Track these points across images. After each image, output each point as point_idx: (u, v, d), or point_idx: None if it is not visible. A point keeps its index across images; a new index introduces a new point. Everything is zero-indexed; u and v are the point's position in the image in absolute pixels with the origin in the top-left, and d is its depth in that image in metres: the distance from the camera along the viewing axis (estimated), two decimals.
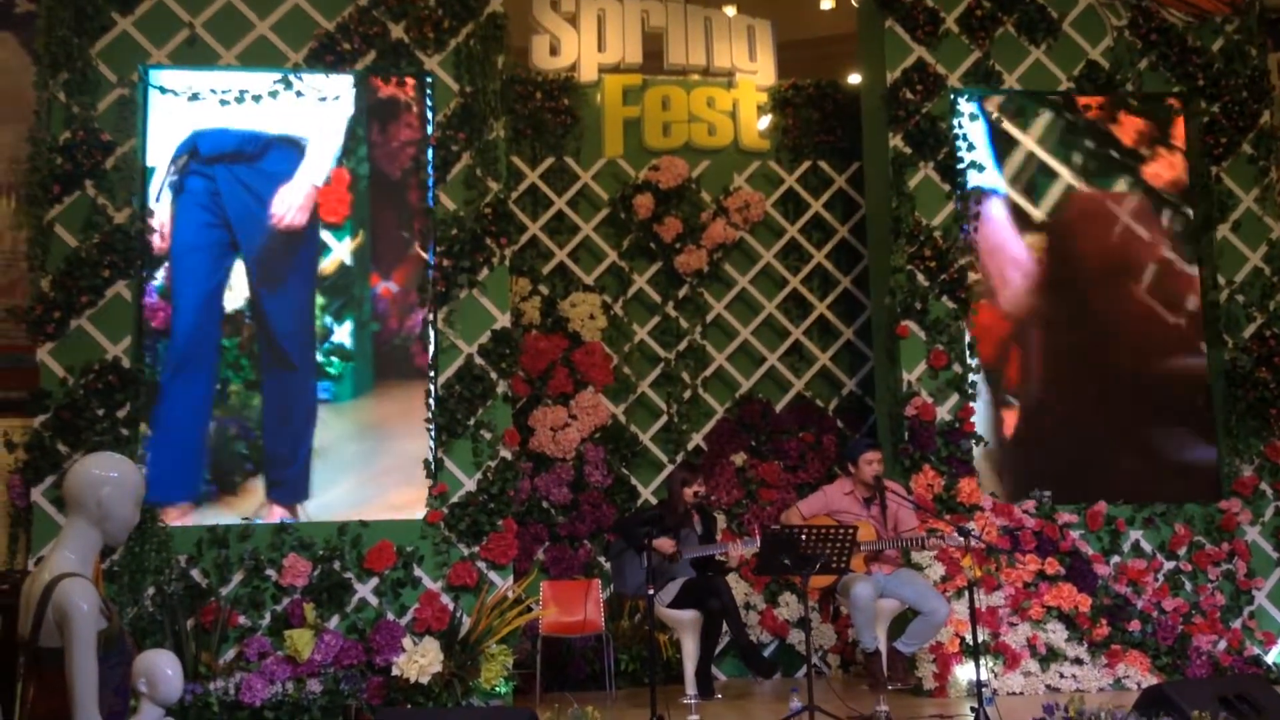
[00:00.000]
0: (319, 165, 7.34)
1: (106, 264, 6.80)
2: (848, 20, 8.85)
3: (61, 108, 6.92)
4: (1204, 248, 8.07)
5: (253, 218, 7.22)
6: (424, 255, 7.24)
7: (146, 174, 7.10)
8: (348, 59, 7.26)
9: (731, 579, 7.23)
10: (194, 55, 7.17)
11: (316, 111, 7.36)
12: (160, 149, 7.18)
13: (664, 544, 6.39)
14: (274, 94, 7.22)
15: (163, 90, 7.15)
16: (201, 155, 7.24)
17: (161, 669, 4.06)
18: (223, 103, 7.19)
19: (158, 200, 7.13)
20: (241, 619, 6.58)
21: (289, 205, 7.26)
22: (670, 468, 8.04)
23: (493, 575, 6.86)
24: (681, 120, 8.80)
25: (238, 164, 7.26)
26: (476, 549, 6.87)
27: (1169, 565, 7.55)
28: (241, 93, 7.19)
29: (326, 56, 7.24)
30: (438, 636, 6.50)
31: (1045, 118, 8.15)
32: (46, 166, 6.82)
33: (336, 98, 7.37)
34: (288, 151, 7.34)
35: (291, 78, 7.23)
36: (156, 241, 7.06)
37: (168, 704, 4.10)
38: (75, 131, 6.88)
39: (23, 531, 6.59)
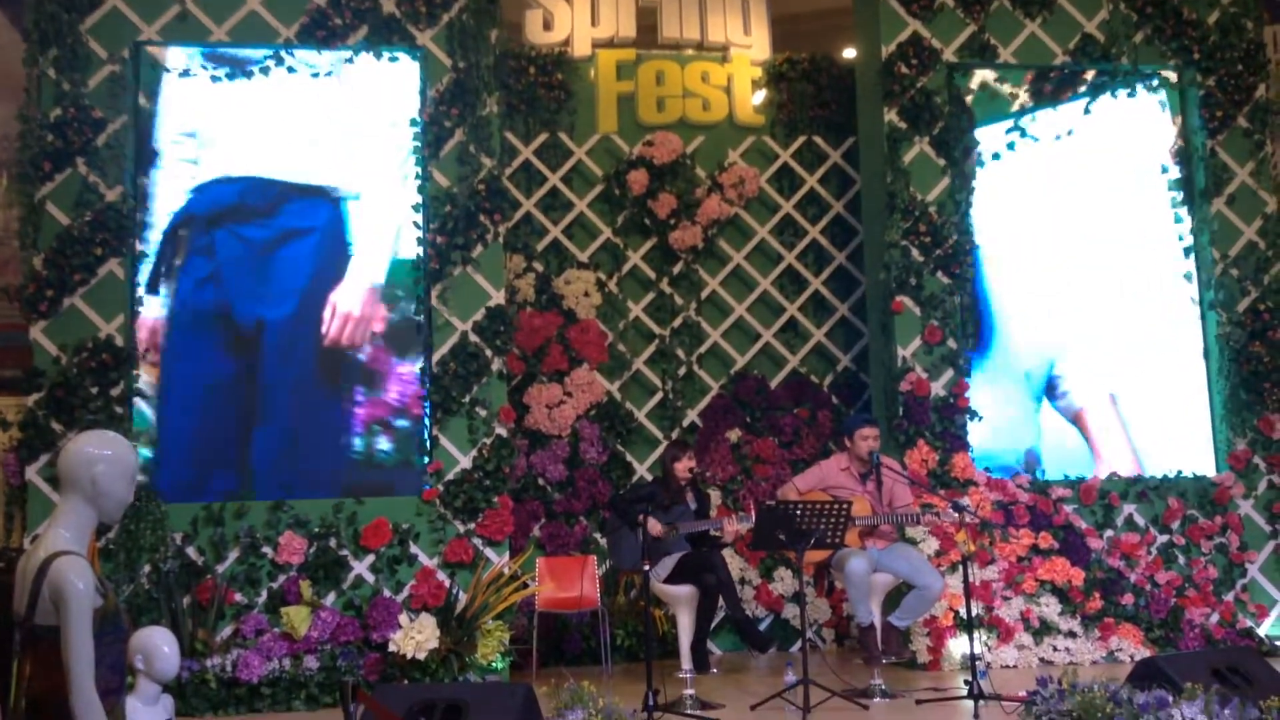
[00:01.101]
0: (372, 258, 7.21)
1: (99, 242, 6.77)
2: None
3: (52, 84, 6.87)
4: (1199, 221, 8.07)
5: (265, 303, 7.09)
6: None
7: (143, 151, 7.07)
8: (339, 34, 7.21)
9: (727, 554, 7.24)
10: (185, 31, 7.12)
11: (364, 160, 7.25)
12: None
13: (654, 526, 6.39)
14: (265, 70, 7.17)
15: (153, 67, 7.11)
16: (199, 218, 7.11)
17: (158, 646, 4.09)
18: (214, 79, 7.14)
19: (146, 291, 7.02)
20: (238, 596, 6.60)
21: (341, 319, 7.15)
22: (665, 444, 8.04)
23: (489, 552, 6.88)
24: (676, 95, 8.76)
25: (247, 224, 7.15)
26: (472, 526, 6.88)
27: (1162, 539, 7.58)
28: (233, 69, 7.15)
29: (318, 32, 7.19)
30: (434, 613, 6.52)
31: None
32: (37, 144, 6.78)
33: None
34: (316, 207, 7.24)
35: (283, 53, 7.19)
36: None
37: (164, 680, 4.13)
38: (66, 108, 6.83)
39: (18, 510, 6.59)
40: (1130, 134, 8.21)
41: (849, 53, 8.89)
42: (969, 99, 8.02)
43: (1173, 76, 8.21)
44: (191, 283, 7.09)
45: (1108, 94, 8.15)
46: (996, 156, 7.97)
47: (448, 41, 7.31)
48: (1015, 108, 8.10)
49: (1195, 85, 8.13)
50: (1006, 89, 8.11)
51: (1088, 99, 8.12)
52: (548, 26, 8.68)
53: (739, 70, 8.86)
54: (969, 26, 7.97)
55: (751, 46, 8.89)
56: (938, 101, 7.84)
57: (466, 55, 7.28)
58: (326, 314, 7.14)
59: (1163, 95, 8.24)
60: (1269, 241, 7.99)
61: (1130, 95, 8.18)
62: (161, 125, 7.15)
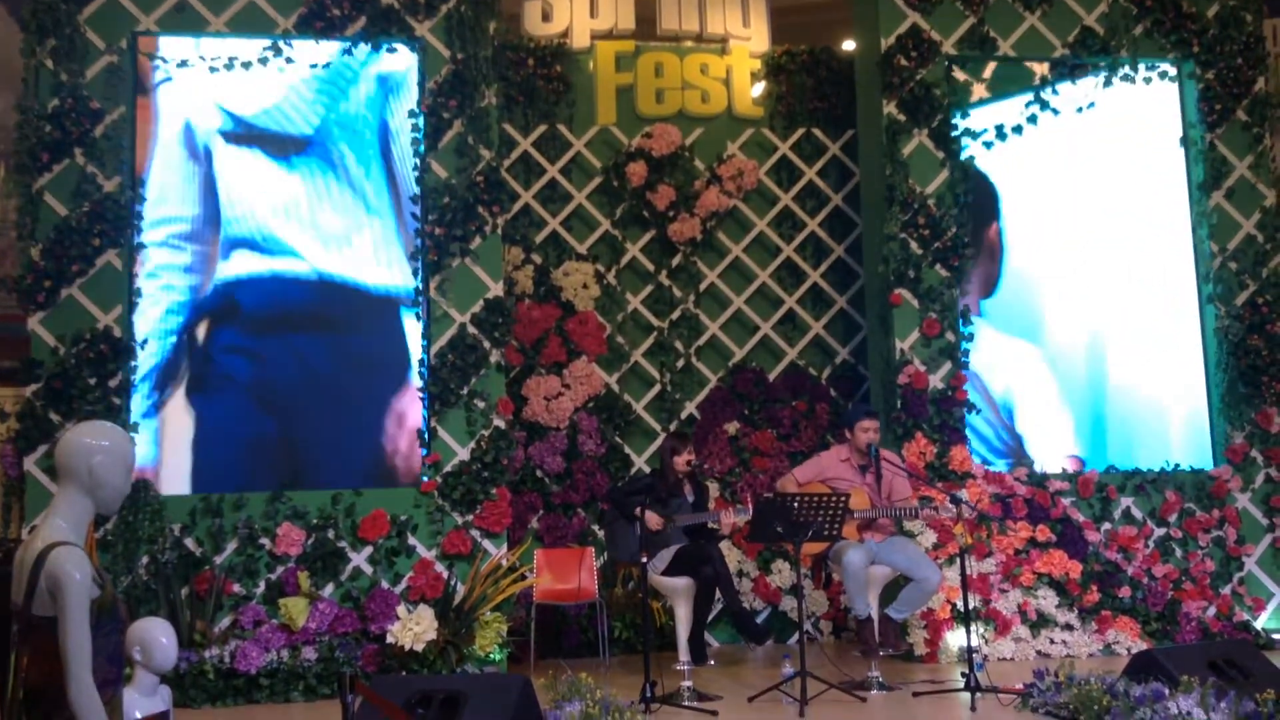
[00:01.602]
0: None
1: (97, 233, 6.76)
2: None
3: (50, 75, 6.86)
4: (1198, 214, 8.06)
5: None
6: None
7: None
8: (338, 25, 7.20)
9: (725, 546, 7.25)
10: (183, 21, 7.10)
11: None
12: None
13: (651, 520, 6.40)
14: (264, 60, 7.15)
15: (151, 57, 7.09)
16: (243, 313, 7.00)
17: (156, 637, 4.09)
18: (212, 69, 7.13)
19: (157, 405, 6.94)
20: (236, 587, 6.60)
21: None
22: (664, 436, 8.03)
23: (487, 544, 6.89)
24: (674, 87, 8.74)
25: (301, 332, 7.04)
26: (470, 517, 6.88)
27: (1159, 532, 7.59)
28: (231, 60, 7.13)
29: (316, 22, 7.17)
30: (432, 604, 6.53)
31: None
32: (35, 135, 6.77)
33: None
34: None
35: (281, 44, 7.17)
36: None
37: (162, 671, 4.13)
38: (64, 99, 6.82)
39: (15, 500, 6.60)
40: (1141, 116, 8.23)
41: (848, 45, 8.86)
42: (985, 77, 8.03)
43: (1172, 70, 8.20)
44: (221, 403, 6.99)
45: (1121, 77, 8.14)
46: (1018, 130, 7.95)
47: (446, 33, 7.29)
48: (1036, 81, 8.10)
49: (1194, 78, 8.12)
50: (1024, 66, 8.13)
51: (1106, 73, 8.09)
52: (546, 18, 8.66)
53: (738, 62, 8.84)
54: (968, 19, 7.95)
55: (750, 38, 8.87)
56: (937, 94, 7.83)
57: (465, 47, 7.27)
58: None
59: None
60: (1267, 235, 7.99)
61: (1146, 82, 8.16)
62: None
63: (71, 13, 6.90)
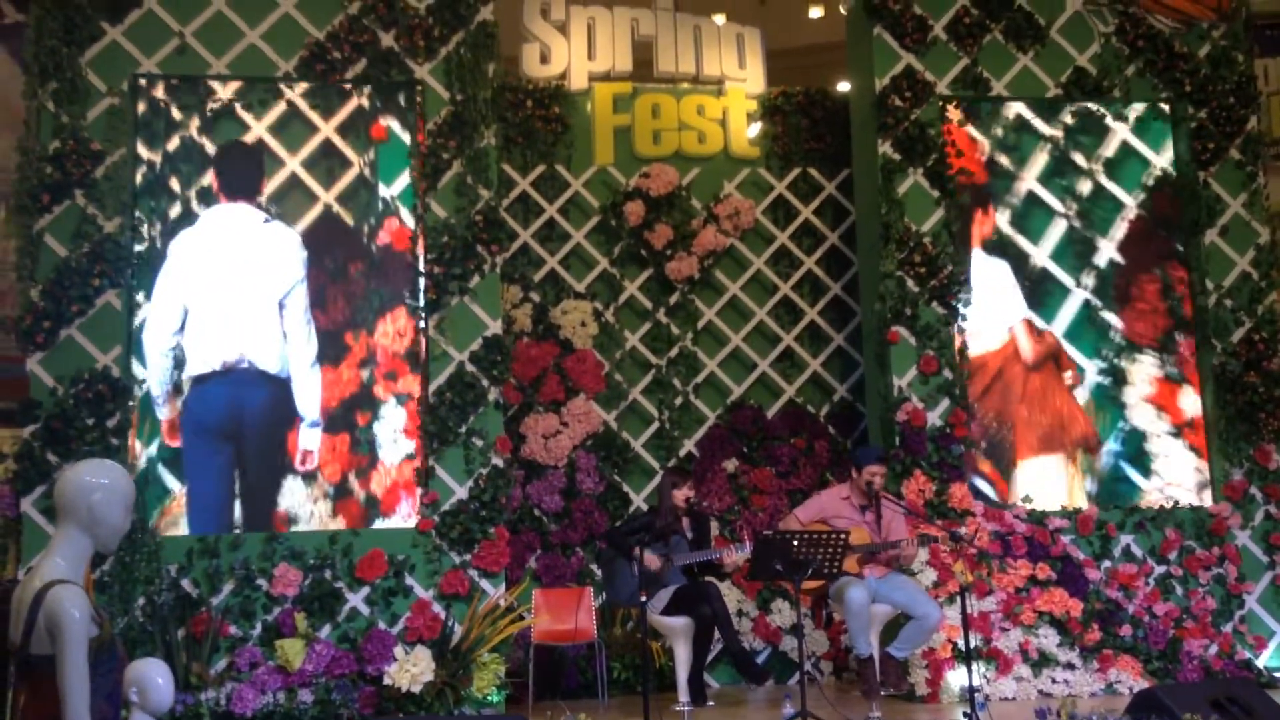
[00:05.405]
0: None
1: (96, 273, 6.78)
2: (836, 28, 8.89)
3: (51, 117, 6.90)
4: (1192, 252, 8.10)
5: None
6: None
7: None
8: (338, 67, 7.26)
9: (724, 586, 7.22)
10: (184, 64, 7.16)
11: None
12: None
13: (651, 560, 6.37)
14: (264, 102, 7.21)
15: (152, 100, 7.14)
16: None
17: (152, 678, 4.05)
18: (212, 112, 7.18)
19: None
20: (232, 629, 6.55)
21: None
22: (662, 472, 8.01)
23: (484, 583, 6.85)
24: (671, 128, 8.80)
25: None
26: (468, 557, 6.85)
27: (1160, 570, 7.56)
28: (231, 103, 7.18)
29: (317, 65, 7.24)
30: (429, 645, 6.48)
31: None
32: (36, 176, 6.80)
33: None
34: None
35: (282, 86, 7.23)
36: None
37: (159, 713, 4.09)
38: (65, 141, 6.86)
39: (12, 542, 6.56)
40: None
41: (843, 86, 8.95)
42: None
43: (1165, 109, 8.28)
44: None
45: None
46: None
47: (445, 74, 7.36)
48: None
49: (1187, 118, 8.20)
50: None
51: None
52: (545, 60, 8.73)
53: (734, 103, 8.92)
54: (961, 60, 8.03)
55: (746, 80, 8.94)
56: (931, 134, 7.89)
57: (464, 88, 7.33)
58: None
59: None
60: (1262, 272, 8.03)
61: (1139, 121, 8.25)
62: None
63: (73, 55, 6.96)
